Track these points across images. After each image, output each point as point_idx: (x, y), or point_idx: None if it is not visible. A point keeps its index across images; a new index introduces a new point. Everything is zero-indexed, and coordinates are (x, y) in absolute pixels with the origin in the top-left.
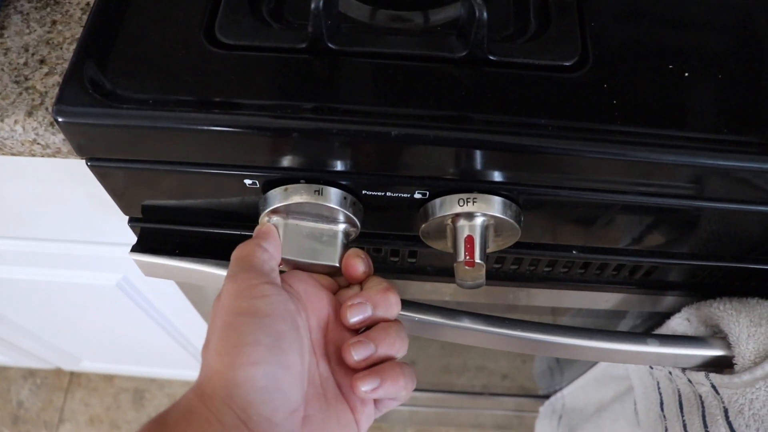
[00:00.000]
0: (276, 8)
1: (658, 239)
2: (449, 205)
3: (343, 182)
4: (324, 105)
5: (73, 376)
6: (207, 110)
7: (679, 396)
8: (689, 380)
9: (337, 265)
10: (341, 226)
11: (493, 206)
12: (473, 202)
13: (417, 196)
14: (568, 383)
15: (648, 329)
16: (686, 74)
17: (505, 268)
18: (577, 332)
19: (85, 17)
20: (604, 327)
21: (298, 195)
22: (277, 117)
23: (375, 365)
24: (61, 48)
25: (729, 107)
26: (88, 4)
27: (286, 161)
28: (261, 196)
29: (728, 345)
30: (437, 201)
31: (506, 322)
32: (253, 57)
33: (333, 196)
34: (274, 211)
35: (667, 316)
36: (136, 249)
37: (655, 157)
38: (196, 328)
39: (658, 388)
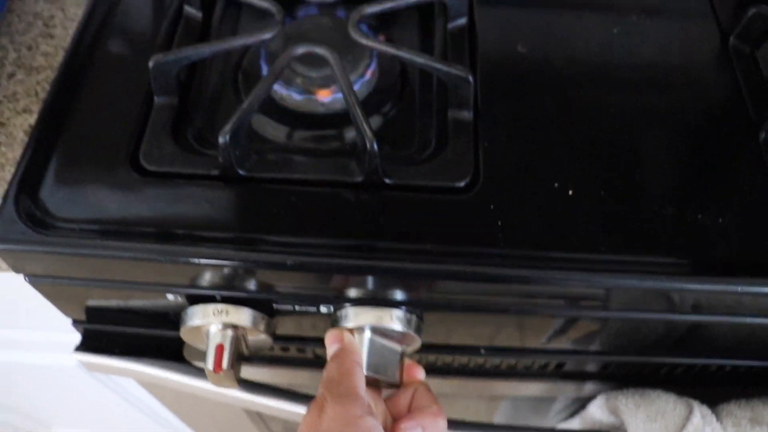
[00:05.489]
0: (200, 132)
1: (560, 340)
2: (353, 318)
3: (255, 297)
4: (229, 235)
5: None
6: (127, 239)
7: None
8: None
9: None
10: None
11: (392, 320)
12: (378, 316)
13: (323, 310)
14: None
15: (576, 410)
16: (570, 192)
17: (422, 362)
18: (478, 428)
19: (26, 139)
20: (537, 409)
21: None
22: (187, 245)
23: None
24: (4, 169)
25: (608, 225)
26: (30, 125)
27: (201, 282)
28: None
29: None
30: (341, 313)
31: None
32: (173, 184)
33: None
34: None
35: (590, 400)
36: (80, 348)
37: (531, 277)
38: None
39: None
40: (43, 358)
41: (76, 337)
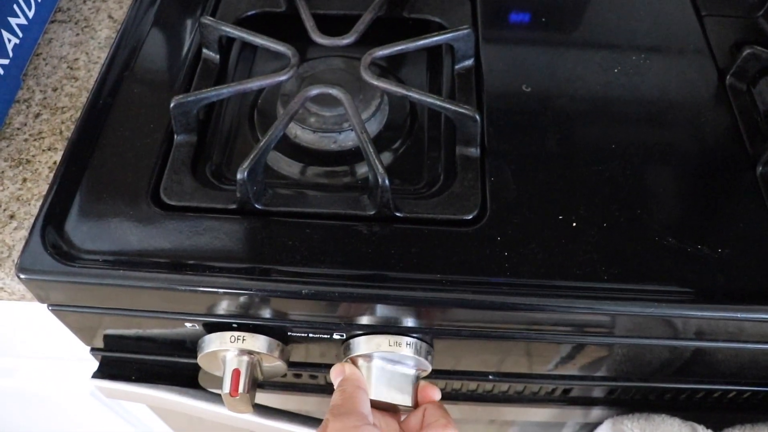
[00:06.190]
0: (218, 169)
1: (566, 366)
2: (364, 346)
3: (270, 325)
4: (246, 266)
5: None
6: (148, 270)
7: None
8: None
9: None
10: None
11: (402, 347)
12: (389, 344)
13: (336, 337)
14: None
15: None
16: (574, 224)
17: None
18: None
19: (51, 175)
20: None
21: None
22: (206, 276)
23: None
24: (29, 204)
25: (610, 255)
26: (55, 162)
27: (218, 310)
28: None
29: None
30: (353, 341)
31: None
32: (192, 217)
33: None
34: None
35: (596, 425)
36: (97, 375)
37: (537, 305)
38: None
39: None
40: (49, 386)
41: (79, 365)
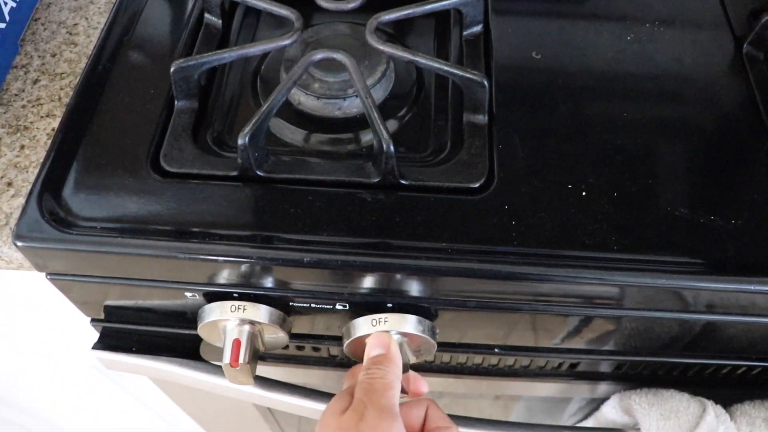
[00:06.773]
0: (219, 135)
1: (574, 339)
2: (366, 326)
3: (272, 295)
4: (247, 233)
5: None
6: (147, 237)
7: None
8: None
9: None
10: None
11: (407, 324)
12: (385, 321)
13: (338, 307)
14: None
15: (590, 412)
16: (584, 193)
17: (437, 362)
18: (492, 425)
19: (49, 142)
20: (551, 411)
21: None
22: (206, 243)
23: None
24: (27, 171)
25: (620, 225)
26: (53, 129)
27: (219, 279)
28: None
29: None
30: (353, 323)
31: None
32: (192, 184)
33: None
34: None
35: (604, 401)
36: (97, 346)
37: (544, 275)
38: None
39: None
40: (49, 357)
41: (85, 337)
